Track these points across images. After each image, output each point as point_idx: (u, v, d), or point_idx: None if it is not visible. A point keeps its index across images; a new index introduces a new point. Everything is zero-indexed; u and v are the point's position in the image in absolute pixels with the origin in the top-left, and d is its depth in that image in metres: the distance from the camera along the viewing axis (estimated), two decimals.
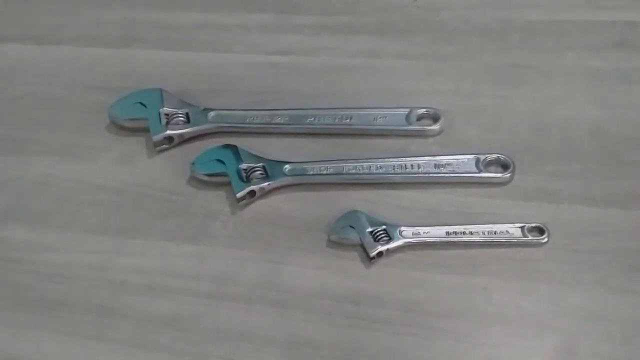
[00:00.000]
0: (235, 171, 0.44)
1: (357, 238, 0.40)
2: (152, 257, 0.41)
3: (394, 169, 0.44)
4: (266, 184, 0.43)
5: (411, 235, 0.40)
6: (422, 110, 0.47)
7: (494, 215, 0.41)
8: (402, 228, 0.40)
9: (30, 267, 0.42)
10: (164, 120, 0.48)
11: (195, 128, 0.48)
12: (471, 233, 0.40)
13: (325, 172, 0.44)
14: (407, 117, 0.47)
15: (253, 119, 0.48)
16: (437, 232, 0.40)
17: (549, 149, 0.45)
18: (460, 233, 0.40)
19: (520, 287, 0.38)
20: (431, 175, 0.43)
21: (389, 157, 0.44)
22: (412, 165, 0.44)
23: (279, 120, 0.48)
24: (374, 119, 0.47)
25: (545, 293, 0.37)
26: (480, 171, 0.43)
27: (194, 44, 0.57)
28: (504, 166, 0.44)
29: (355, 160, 0.44)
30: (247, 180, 0.43)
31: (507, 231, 0.40)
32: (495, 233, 0.40)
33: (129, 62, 0.56)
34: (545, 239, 0.39)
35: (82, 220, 0.44)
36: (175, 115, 0.48)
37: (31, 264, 0.42)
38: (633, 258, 0.38)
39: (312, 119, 0.48)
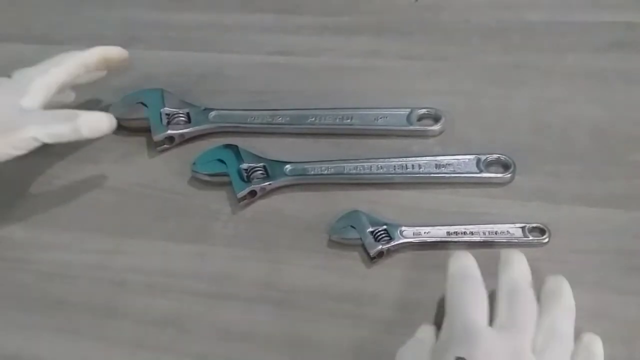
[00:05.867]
0: (236, 171, 0.44)
1: (358, 238, 0.40)
2: (152, 257, 0.41)
3: (394, 169, 0.44)
4: (267, 183, 0.43)
5: (412, 235, 0.40)
6: (423, 111, 0.48)
7: (495, 216, 0.41)
8: (403, 228, 0.40)
9: (30, 267, 0.42)
10: (164, 120, 0.48)
11: (196, 128, 0.48)
12: (472, 233, 0.40)
13: (326, 172, 0.44)
14: (408, 117, 0.47)
15: (254, 119, 0.48)
16: (437, 232, 0.40)
17: (549, 149, 0.45)
18: (461, 233, 0.40)
19: None
20: (432, 175, 0.43)
21: (389, 157, 0.44)
22: (413, 166, 0.44)
23: (279, 120, 0.48)
24: (375, 119, 0.47)
25: None
26: (481, 171, 0.43)
27: (194, 44, 0.57)
28: (505, 166, 0.44)
29: (356, 160, 0.44)
30: (248, 180, 0.43)
31: (507, 231, 0.40)
32: (496, 233, 0.40)
33: (130, 62, 0.56)
34: (546, 239, 0.39)
35: (82, 220, 0.44)
36: (176, 115, 0.48)
37: (31, 264, 0.42)
38: (633, 258, 0.39)
39: (313, 119, 0.48)
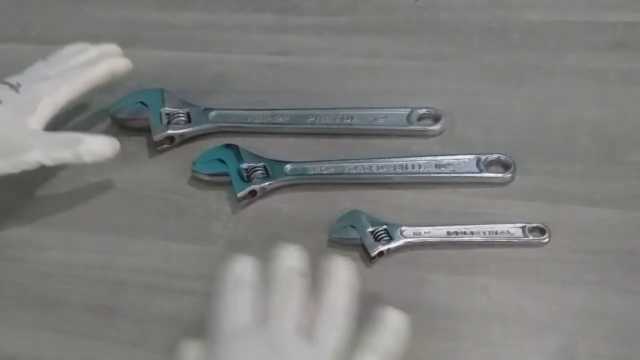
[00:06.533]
0: (236, 171, 0.44)
1: (358, 238, 0.40)
2: (152, 257, 0.41)
3: (394, 169, 0.44)
4: (267, 183, 0.43)
5: (412, 235, 0.40)
6: (423, 110, 0.48)
7: (495, 216, 0.41)
8: (403, 228, 0.40)
9: (31, 267, 0.42)
10: (165, 120, 0.48)
11: (196, 128, 0.48)
12: (472, 233, 0.40)
13: (326, 171, 0.44)
14: (408, 117, 0.47)
15: (254, 118, 0.48)
16: (438, 232, 0.40)
17: (549, 149, 0.45)
18: (461, 233, 0.40)
19: (521, 287, 0.38)
20: (432, 175, 0.43)
21: (390, 157, 0.44)
22: (413, 165, 0.44)
23: (279, 120, 0.48)
24: (375, 119, 0.47)
25: (545, 293, 0.38)
26: (481, 171, 0.43)
27: (194, 44, 0.57)
28: (505, 166, 0.44)
29: (356, 160, 0.44)
30: (248, 180, 0.43)
31: (508, 231, 0.40)
32: (496, 233, 0.40)
33: (130, 62, 0.56)
34: (546, 239, 0.39)
35: (82, 220, 0.44)
36: (176, 115, 0.48)
37: (31, 263, 0.42)
38: (633, 258, 0.39)
39: (313, 118, 0.48)
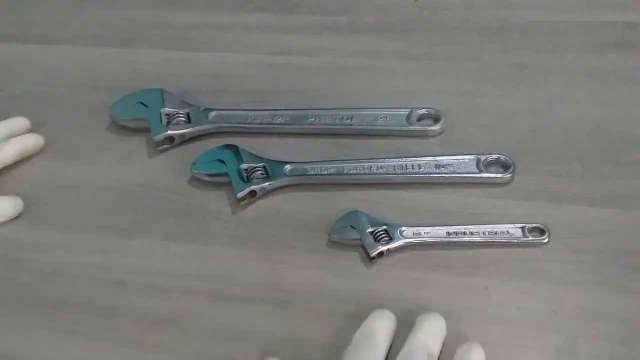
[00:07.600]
0: (236, 171, 0.44)
1: (358, 238, 0.40)
2: (152, 257, 0.41)
3: (394, 170, 0.44)
4: (267, 184, 0.43)
5: (412, 236, 0.40)
6: (423, 111, 0.48)
7: (495, 216, 0.41)
8: (403, 228, 0.40)
9: (30, 267, 0.42)
10: (165, 121, 0.48)
11: (196, 128, 0.48)
12: (472, 233, 0.40)
13: (326, 172, 0.44)
14: (408, 117, 0.47)
15: (254, 119, 0.48)
16: (438, 233, 0.40)
17: (549, 149, 0.45)
18: (461, 233, 0.40)
19: (521, 287, 0.38)
20: (432, 175, 0.43)
21: (389, 158, 0.44)
22: (413, 166, 0.44)
23: (279, 120, 0.48)
24: (375, 119, 0.47)
25: (545, 293, 0.38)
26: (481, 172, 0.43)
27: (194, 44, 0.57)
28: (505, 167, 0.44)
29: (356, 160, 0.44)
30: (248, 181, 0.43)
31: (507, 232, 0.40)
32: (496, 233, 0.40)
33: (130, 62, 0.56)
34: (546, 239, 0.39)
35: (82, 220, 0.44)
36: (176, 116, 0.48)
37: (31, 264, 0.42)
38: (633, 258, 0.39)
39: (313, 119, 0.48)
